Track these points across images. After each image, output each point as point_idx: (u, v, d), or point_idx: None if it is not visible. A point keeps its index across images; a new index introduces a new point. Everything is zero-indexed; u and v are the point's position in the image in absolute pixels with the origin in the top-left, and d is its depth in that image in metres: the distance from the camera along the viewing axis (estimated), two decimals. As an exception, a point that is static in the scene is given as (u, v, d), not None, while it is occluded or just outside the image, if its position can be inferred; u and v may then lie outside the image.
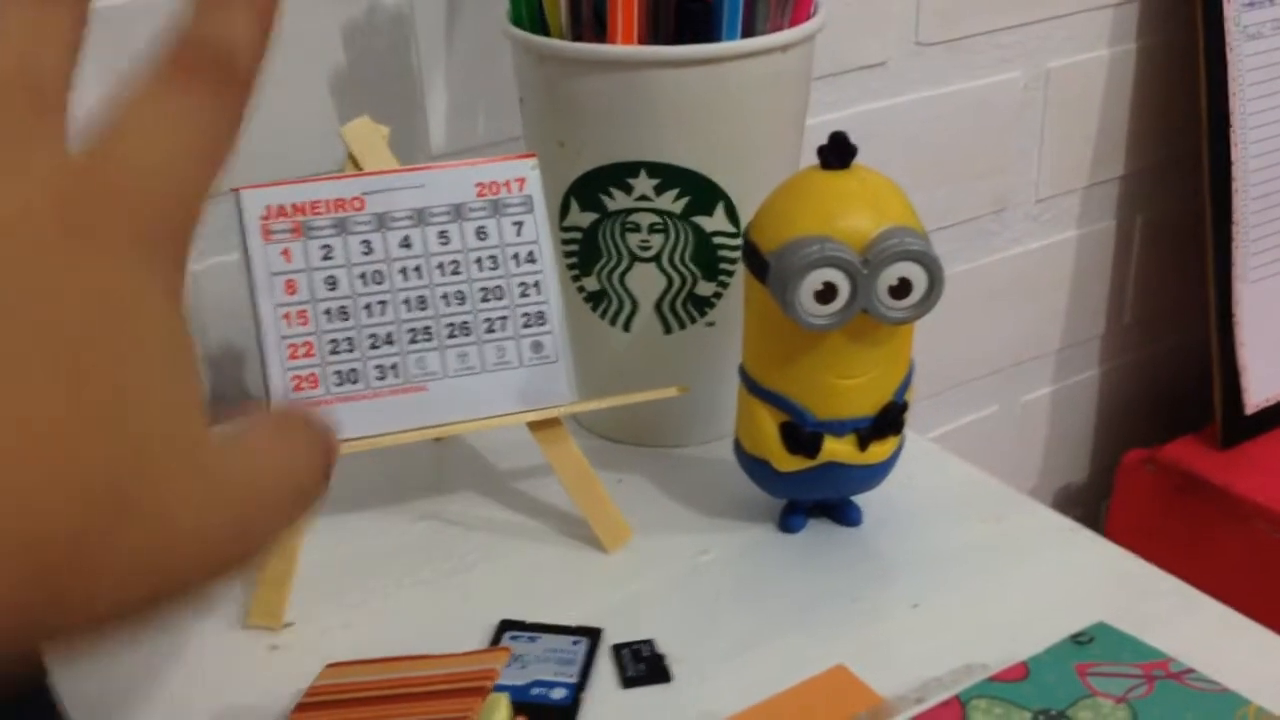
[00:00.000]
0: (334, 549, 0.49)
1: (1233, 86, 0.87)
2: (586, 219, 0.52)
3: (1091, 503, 1.05)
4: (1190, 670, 0.38)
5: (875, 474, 0.49)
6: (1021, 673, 0.38)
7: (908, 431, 0.50)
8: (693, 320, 0.53)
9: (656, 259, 0.52)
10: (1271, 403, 0.91)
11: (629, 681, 0.43)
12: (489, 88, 0.64)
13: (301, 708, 0.38)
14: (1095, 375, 1.01)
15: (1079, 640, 0.39)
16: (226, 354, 0.61)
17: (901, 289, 0.44)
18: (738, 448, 0.50)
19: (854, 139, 0.45)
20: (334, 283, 0.46)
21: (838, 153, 0.45)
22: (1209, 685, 0.37)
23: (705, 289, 0.53)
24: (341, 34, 0.60)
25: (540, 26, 0.50)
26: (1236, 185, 0.88)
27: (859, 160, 0.45)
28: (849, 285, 0.44)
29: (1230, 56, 0.86)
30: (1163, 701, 0.36)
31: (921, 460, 0.54)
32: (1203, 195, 0.88)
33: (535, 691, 0.42)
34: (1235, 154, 0.87)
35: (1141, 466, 0.92)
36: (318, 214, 0.46)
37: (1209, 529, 0.88)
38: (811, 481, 0.48)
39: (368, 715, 0.37)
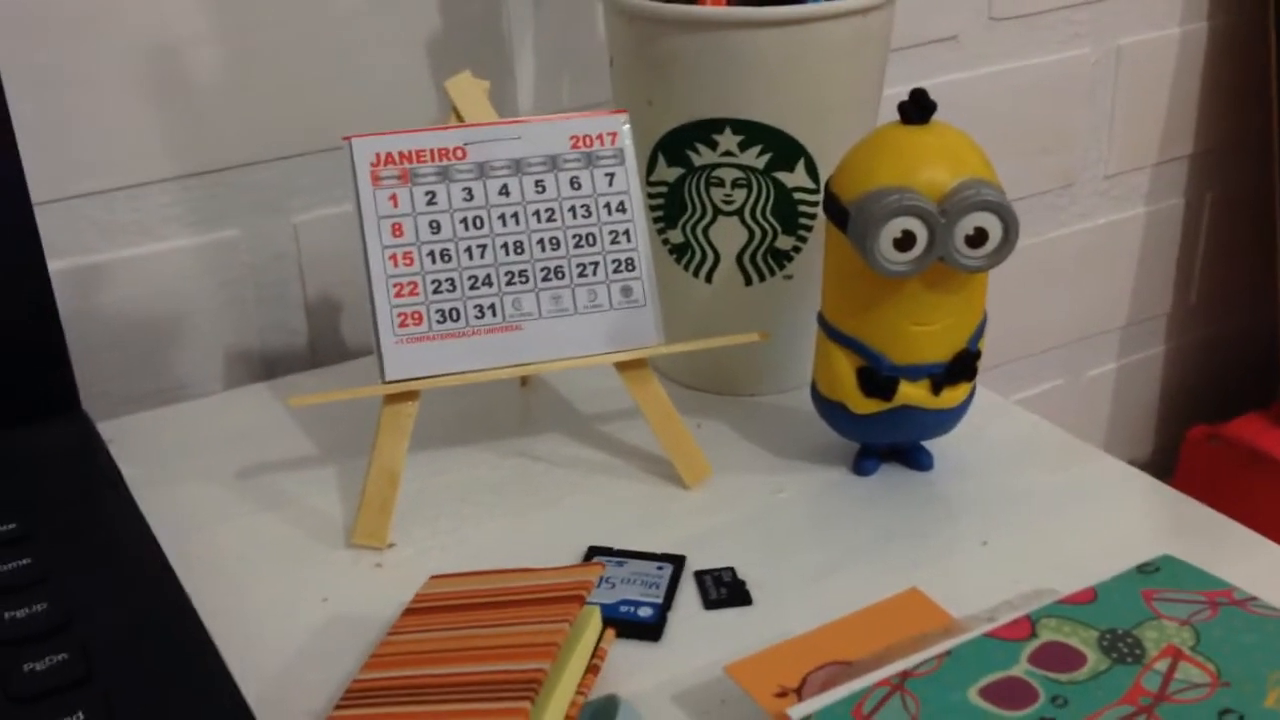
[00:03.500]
0: (430, 479, 0.52)
1: (1305, 65, 0.87)
2: (672, 174, 0.54)
3: (1155, 477, 1.06)
4: (1253, 598, 0.39)
5: (948, 419, 0.50)
6: (1090, 596, 0.40)
7: (979, 386, 0.52)
8: (772, 273, 0.56)
9: (739, 213, 0.54)
10: (1338, 380, 0.92)
11: (712, 604, 0.45)
12: (575, 55, 0.67)
13: (410, 611, 0.41)
14: (1161, 352, 1.01)
15: (1145, 570, 0.41)
16: (325, 302, 0.64)
17: (977, 238, 0.46)
18: (814, 392, 0.52)
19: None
20: (437, 227, 0.49)
21: (918, 108, 0.47)
22: (1271, 611, 0.39)
23: (785, 243, 0.55)
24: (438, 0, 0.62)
25: (632, -11, 0.53)
26: (1307, 164, 0.89)
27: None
28: (926, 233, 0.46)
29: (1302, 35, 0.87)
30: (1226, 624, 0.38)
31: (991, 412, 0.56)
32: (1272, 174, 0.89)
33: (624, 609, 0.44)
34: (1306, 132, 0.88)
35: (1205, 442, 0.93)
36: (423, 162, 0.49)
37: (1272, 504, 0.89)
38: (885, 425, 0.50)
39: (471, 619, 0.40)
